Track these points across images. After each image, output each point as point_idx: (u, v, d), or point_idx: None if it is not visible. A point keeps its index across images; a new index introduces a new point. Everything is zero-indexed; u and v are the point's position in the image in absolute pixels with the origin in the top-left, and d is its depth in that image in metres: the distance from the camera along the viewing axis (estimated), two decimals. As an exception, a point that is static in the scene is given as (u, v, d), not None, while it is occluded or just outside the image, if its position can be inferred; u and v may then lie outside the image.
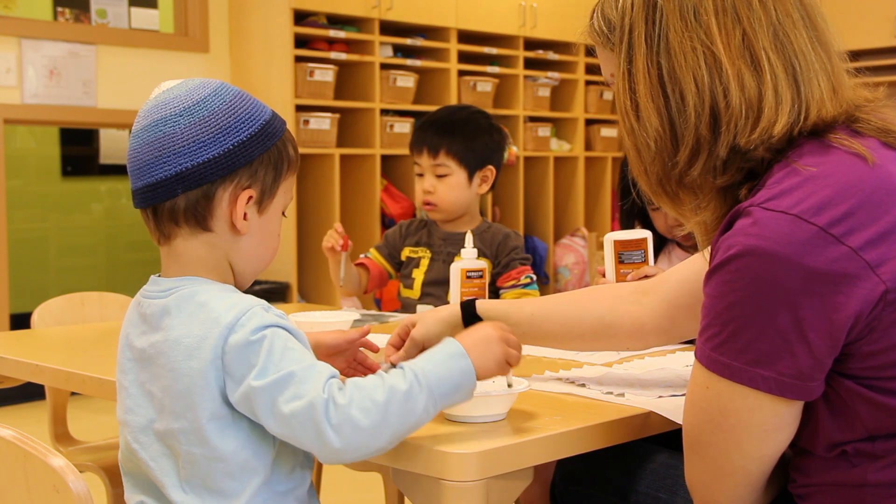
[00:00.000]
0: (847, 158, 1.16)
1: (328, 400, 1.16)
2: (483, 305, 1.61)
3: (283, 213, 1.37)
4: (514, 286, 2.46)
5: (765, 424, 1.16)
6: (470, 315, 1.59)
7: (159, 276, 1.34)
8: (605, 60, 1.34)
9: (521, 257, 2.51)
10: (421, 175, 2.55)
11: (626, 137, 1.27)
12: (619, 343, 1.62)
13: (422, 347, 1.53)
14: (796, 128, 1.18)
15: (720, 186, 1.22)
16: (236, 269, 1.33)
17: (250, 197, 1.29)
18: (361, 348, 1.57)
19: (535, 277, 2.51)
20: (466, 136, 2.52)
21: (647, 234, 2.06)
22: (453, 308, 1.60)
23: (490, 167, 2.55)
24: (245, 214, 1.29)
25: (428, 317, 1.59)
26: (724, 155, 1.19)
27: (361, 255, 2.64)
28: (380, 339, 1.62)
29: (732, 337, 1.14)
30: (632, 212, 2.27)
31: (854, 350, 1.13)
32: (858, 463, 1.18)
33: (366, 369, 1.55)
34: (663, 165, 1.24)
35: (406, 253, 2.60)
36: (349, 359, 1.56)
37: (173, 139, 1.26)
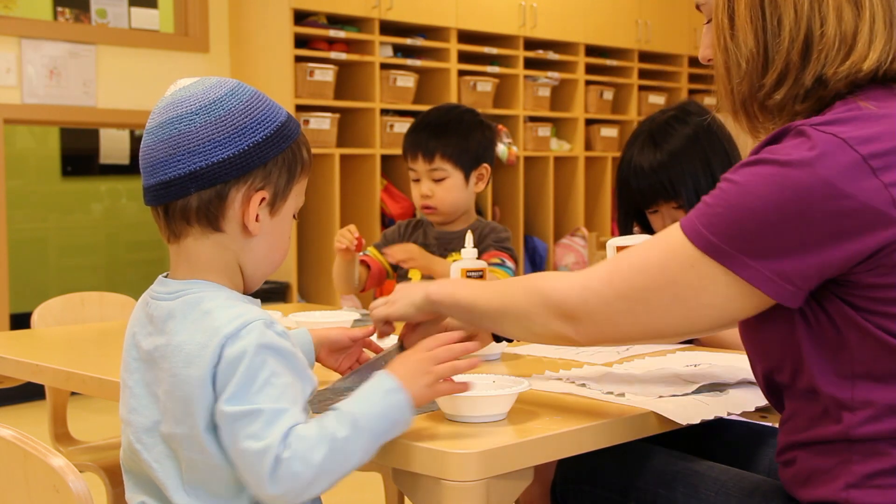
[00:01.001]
0: None
1: (278, 453, 1.15)
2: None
3: (294, 217, 1.36)
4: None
5: (722, 305, 1.21)
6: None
7: (167, 275, 1.33)
8: None
9: (500, 244, 2.49)
10: (417, 180, 2.54)
11: (717, 54, 1.31)
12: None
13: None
14: (883, 67, 1.23)
15: (797, 112, 1.26)
16: (246, 271, 1.32)
17: (263, 198, 1.29)
18: (365, 349, 1.57)
19: (506, 261, 2.45)
20: (460, 136, 2.51)
21: (648, 238, 2.05)
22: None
23: (485, 165, 2.54)
24: (257, 216, 1.29)
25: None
26: (809, 84, 1.24)
27: (361, 253, 2.63)
28: (383, 342, 1.62)
29: (733, 223, 1.18)
30: (629, 214, 2.27)
31: (857, 279, 1.17)
32: (837, 417, 1.20)
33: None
34: (750, 86, 1.28)
35: None
36: (352, 357, 1.57)
37: (188, 137, 1.25)
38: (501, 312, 1.39)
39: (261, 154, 1.27)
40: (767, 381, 1.32)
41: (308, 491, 1.18)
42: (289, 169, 1.31)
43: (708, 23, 1.38)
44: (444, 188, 2.50)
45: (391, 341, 1.59)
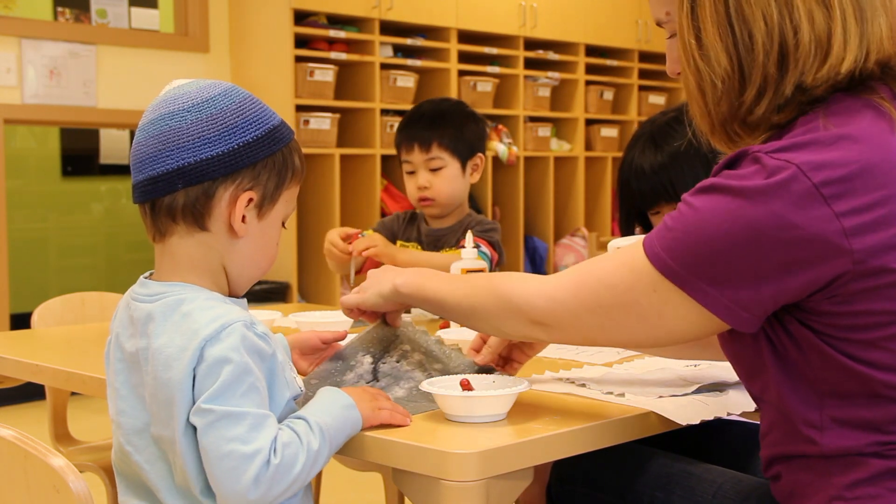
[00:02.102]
0: (874, 123, 1.18)
1: (269, 458, 1.17)
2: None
3: (283, 224, 1.35)
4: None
5: (684, 326, 1.22)
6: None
7: (149, 276, 1.32)
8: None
9: (484, 232, 2.48)
10: (412, 173, 2.54)
11: (689, 78, 1.26)
12: (716, 352, 1.58)
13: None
14: (859, 66, 1.20)
15: (775, 124, 1.23)
16: (230, 273, 1.32)
17: (251, 199, 1.28)
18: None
19: (481, 246, 2.43)
20: (455, 126, 2.51)
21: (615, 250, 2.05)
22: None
23: (480, 155, 2.55)
24: (244, 217, 1.28)
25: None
26: (789, 93, 1.21)
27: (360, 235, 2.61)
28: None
29: (690, 249, 1.17)
30: (631, 215, 2.27)
31: (814, 307, 1.16)
32: (808, 435, 1.20)
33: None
34: (730, 105, 1.24)
35: (399, 244, 2.60)
36: (328, 354, 1.56)
37: (178, 133, 1.25)
38: (470, 313, 1.39)
39: (250, 154, 1.27)
40: (748, 389, 1.33)
41: (281, 497, 1.20)
42: (279, 173, 1.30)
43: (671, 37, 1.36)
44: (441, 178, 2.50)
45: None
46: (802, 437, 1.21)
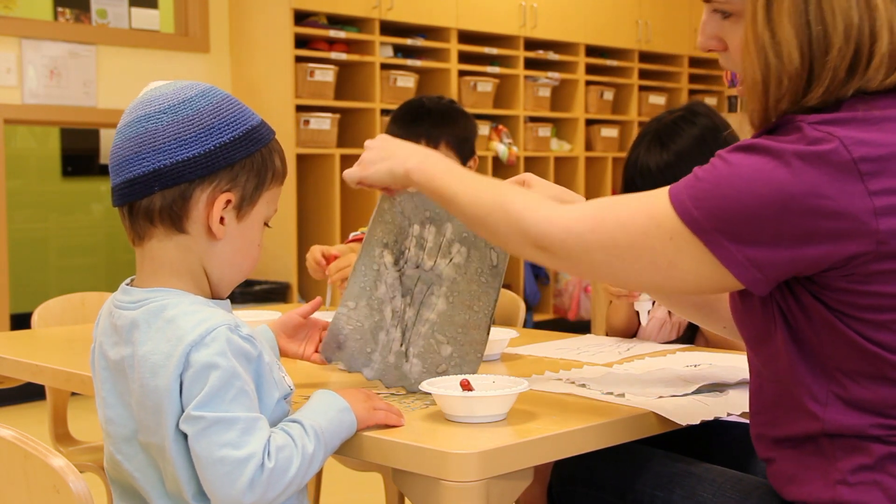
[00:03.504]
0: None
1: (263, 462, 1.17)
2: None
3: (266, 225, 1.34)
4: None
5: (695, 278, 1.22)
6: None
7: (131, 282, 1.31)
8: None
9: None
10: None
11: (755, 70, 1.22)
12: (716, 321, 1.60)
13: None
14: None
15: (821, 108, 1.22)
16: (211, 276, 1.30)
17: (228, 201, 1.27)
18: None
19: None
20: (457, 125, 2.51)
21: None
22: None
23: (475, 156, 2.55)
24: (223, 219, 1.27)
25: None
26: (847, 95, 1.20)
27: (358, 232, 2.60)
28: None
29: (717, 203, 1.17)
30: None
31: (830, 282, 1.17)
32: (811, 411, 1.21)
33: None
34: (791, 103, 1.21)
35: None
36: (313, 339, 1.58)
37: (155, 136, 1.24)
38: (477, 220, 1.37)
39: (227, 155, 1.26)
40: (750, 359, 1.33)
41: (276, 500, 1.19)
42: (258, 174, 1.29)
43: (725, 17, 1.30)
44: None
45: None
46: (805, 412, 1.22)
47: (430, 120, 2.50)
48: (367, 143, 1.51)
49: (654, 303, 2.15)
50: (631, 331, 2.15)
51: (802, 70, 1.20)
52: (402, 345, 1.53)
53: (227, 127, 1.26)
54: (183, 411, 1.19)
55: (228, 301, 1.33)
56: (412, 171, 1.43)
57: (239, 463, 1.16)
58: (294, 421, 1.25)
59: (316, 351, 1.58)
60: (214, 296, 1.32)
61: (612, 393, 1.48)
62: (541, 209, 1.31)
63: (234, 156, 1.26)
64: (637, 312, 2.08)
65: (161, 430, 1.20)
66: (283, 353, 1.56)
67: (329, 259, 2.36)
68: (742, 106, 1.31)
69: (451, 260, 1.53)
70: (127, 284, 1.31)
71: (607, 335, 2.17)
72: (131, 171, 1.25)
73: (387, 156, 1.46)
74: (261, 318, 1.99)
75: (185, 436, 1.19)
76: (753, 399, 1.33)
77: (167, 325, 1.22)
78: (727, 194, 1.17)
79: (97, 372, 1.31)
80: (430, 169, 1.42)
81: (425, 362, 1.54)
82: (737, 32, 1.28)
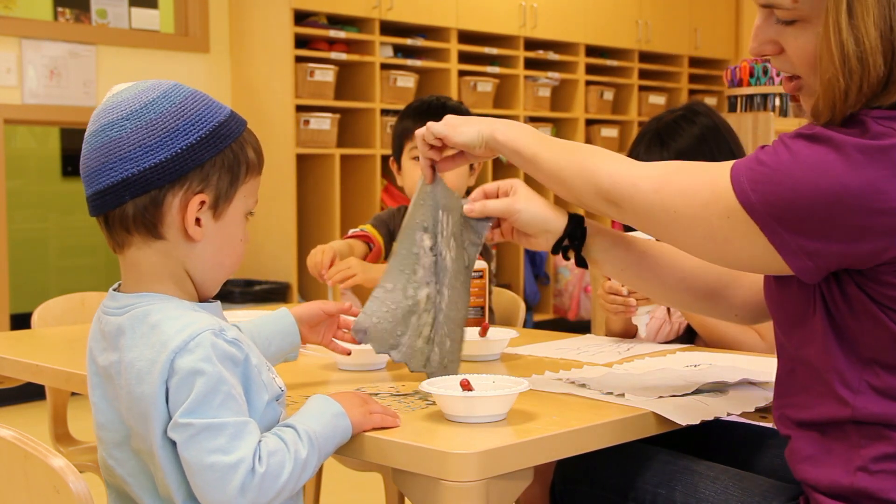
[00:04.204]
0: None
1: (254, 466, 1.16)
2: (593, 225, 1.53)
3: (249, 216, 1.32)
4: None
5: (747, 257, 1.24)
6: (578, 226, 1.51)
7: (118, 287, 1.30)
8: None
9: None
10: (418, 158, 2.51)
11: (839, 80, 1.19)
12: (727, 309, 1.58)
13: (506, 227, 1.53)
14: None
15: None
16: (195, 278, 1.29)
17: (203, 202, 1.24)
18: (343, 315, 1.60)
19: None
20: None
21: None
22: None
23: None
24: (199, 220, 1.25)
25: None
26: None
27: (357, 230, 2.59)
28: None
29: (775, 189, 1.18)
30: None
31: (874, 275, 1.18)
32: (842, 397, 1.21)
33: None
34: (864, 105, 1.20)
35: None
36: (332, 328, 1.59)
37: (119, 144, 1.22)
38: (556, 178, 1.42)
39: (195, 157, 1.23)
40: (781, 342, 1.33)
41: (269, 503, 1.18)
42: (230, 170, 1.26)
43: (780, 23, 1.27)
44: (454, 173, 2.49)
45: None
46: (836, 397, 1.23)
47: (440, 116, 2.49)
48: (448, 117, 1.53)
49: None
50: (630, 337, 2.15)
51: (884, 75, 1.19)
52: (431, 330, 1.54)
53: (191, 127, 1.23)
54: (170, 418, 1.17)
55: (218, 303, 1.32)
56: (498, 131, 1.47)
57: (229, 468, 1.15)
58: (288, 426, 1.24)
59: (334, 338, 1.60)
60: (200, 297, 1.30)
61: (612, 393, 1.48)
62: (614, 164, 1.36)
63: (202, 156, 1.23)
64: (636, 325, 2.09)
65: (149, 437, 1.20)
66: (305, 341, 1.58)
67: (330, 262, 2.35)
68: (802, 103, 1.31)
69: (451, 253, 1.54)
70: (114, 290, 1.30)
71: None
72: (100, 182, 1.23)
73: (473, 121, 1.50)
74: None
75: (173, 442, 1.18)
76: (780, 382, 1.33)
77: (151, 330, 1.21)
78: (784, 182, 1.18)
79: (90, 378, 1.30)
80: (514, 130, 1.47)
81: (442, 352, 1.54)
82: (799, 37, 1.25)
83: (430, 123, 1.52)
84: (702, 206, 1.25)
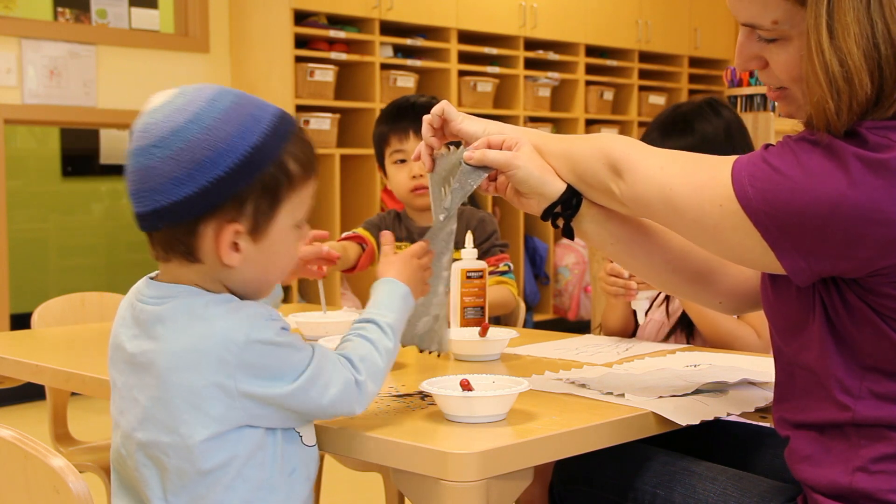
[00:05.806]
0: None
1: (354, 379, 1.26)
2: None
3: (300, 225, 1.28)
4: (492, 273, 2.43)
5: (741, 251, 1.25)
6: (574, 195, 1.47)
7: (155, 276, 1.29)
8: (787, 11, 1.24)
9: (500, 244, 2.49)
10: (403, 161, 2.50)
11: (828, 102, 1.18)
12: (712, 295, 1.57)
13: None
14: None
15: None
16: (236, 293, 1.27)
17: (237, 231, 1.21)
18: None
19: (511, 266, 2.48)
20: None
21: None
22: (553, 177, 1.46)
23: None
24: (237, 244, 1.22)
25: (533, 159, 1.46)
26: None
27: (350, 232, 2.59)
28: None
29: (773, 189, 1.19)
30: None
31: (873, 287, 1.18)
32: (841, 402, 1.22)
33: (322, 261, 1.93)
34: (856, 122, 1.19)
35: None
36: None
37: (149, 173, 1.19)
38: (565, 156, 1.44)
39: (226, 188, 1.19)
40: (779, 347, 1.33)
41: (375, 397, 1.31)
42: (269, 192, 1.22)
43: (764, 41, 1.27)
44: None
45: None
46: (836, 403, 1.23)
47: (413, 113, 2.49)
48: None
49: (651, 304, 2.15)
50: (627, 332, 2.15)
51: (872, 92, 1.18)
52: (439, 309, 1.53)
53: (221, 157, 1.18)
54: (216, 410, 1.18)
55: (264, 301, 1.32)
56: (506, 127, 1.51)
57: (341, 396, 1.24)
58: (368, 321, 1.33)
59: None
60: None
61: (612, 393, 1.48)
62: (630, 142, 1.38)
63: (234, 187, 1.19)
64: (634, 312, 2.08)
65: (183, 429, 1.19)
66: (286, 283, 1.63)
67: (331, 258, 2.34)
68: (783, 110, 1.32)
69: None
70: (150, 278, 1.29)
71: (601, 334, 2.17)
72: (137, 207, 1.22)
73: (483, 119, 1.53)
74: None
75: (214, 437, 1.19)
76: (780, 387, 1.33)
77: (199, 322, 1.20)
78: (783, 184, 1.18)
79: (115, 362, 1.29)
80: (521, 131, 1.50)
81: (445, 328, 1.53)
82: (782, 53, 1.26)
83: (439, 104, 1.52)
84: (697, 188, 1.26)
